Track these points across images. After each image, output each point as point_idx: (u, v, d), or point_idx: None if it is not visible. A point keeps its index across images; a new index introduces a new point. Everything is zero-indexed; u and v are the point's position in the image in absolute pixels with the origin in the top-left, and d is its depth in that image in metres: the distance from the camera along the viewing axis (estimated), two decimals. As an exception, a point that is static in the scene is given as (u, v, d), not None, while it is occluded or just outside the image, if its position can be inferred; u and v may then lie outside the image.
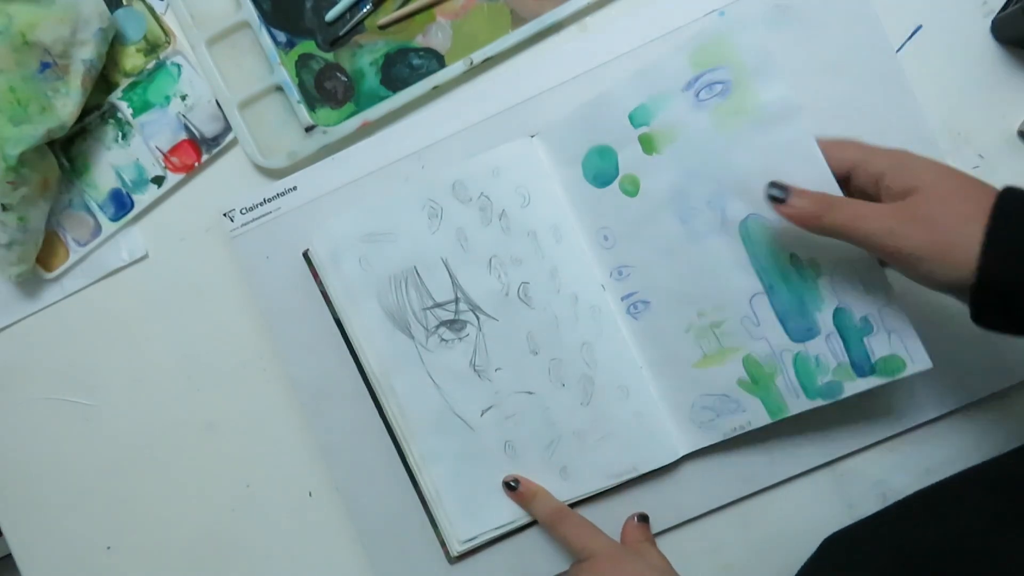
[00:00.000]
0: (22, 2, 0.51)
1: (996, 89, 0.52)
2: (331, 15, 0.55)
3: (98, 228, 0.57)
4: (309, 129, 0.55)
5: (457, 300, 0.52)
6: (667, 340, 0.50)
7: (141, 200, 0.57)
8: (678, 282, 0.49)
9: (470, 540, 0.52)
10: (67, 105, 0.53)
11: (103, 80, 0.56)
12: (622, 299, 0.51)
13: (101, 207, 0.57)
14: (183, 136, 0.56)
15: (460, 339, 0.52)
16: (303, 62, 0.55)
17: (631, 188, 0.49)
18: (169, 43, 0.56)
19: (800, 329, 0.46)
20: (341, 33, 0.55)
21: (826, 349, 0.45)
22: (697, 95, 0.45)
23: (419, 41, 0.54)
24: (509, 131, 0.53)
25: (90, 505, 0.58)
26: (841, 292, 0.45)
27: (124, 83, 0.56)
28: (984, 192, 0.37)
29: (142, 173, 0.57)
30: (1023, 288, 0.35)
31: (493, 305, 0.52)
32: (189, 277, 0.57)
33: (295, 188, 0.54)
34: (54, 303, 0.58)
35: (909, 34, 0.52)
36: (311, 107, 0.55)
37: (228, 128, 0.56)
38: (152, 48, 0.56)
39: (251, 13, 0.55)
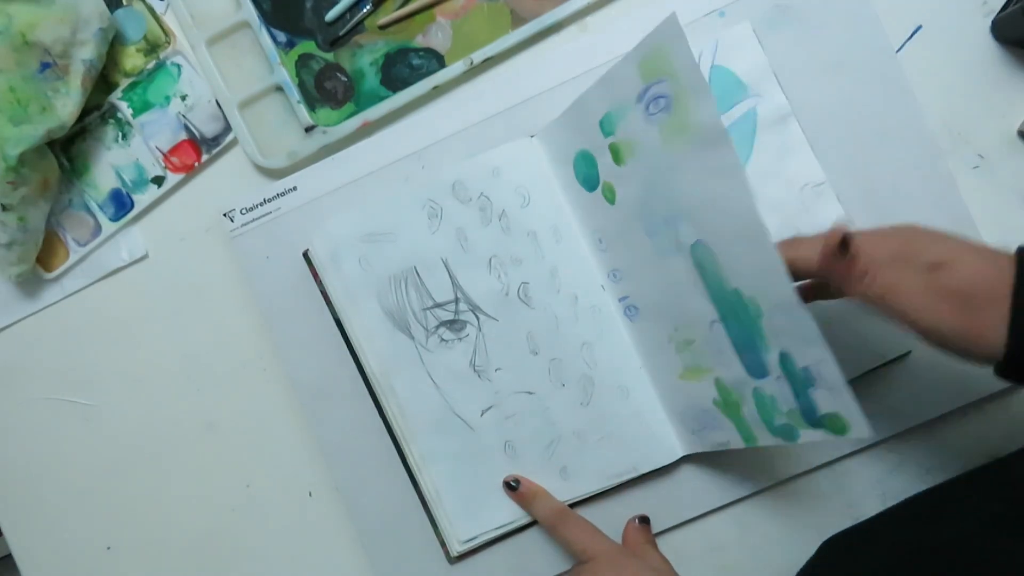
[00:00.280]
0: (22, 2, 0.51)
1: (996, 89, 0.52)
2: (331, 15, 0.55)
3: (98, 228, 0.57)
4: (309, 129, 0.55)
5: (457, 300, 0.52)
6: (656, 348, 0.50)
7: (141, 200, 0.57)
8: (657, 293, 0.47)
9: (470, 540, 0.52)
10: (67, 105, 0.53)
11: (103, 80, 0.56)
12: (619, 300, 0.51)
13: (101, 207, 0.57)
14: (183, 136, 0.56)
15: (460, 339, 0.52)
16: (303, 62, 0.55)
17: (610, 196, 0.48)
18: (169, 43, 0.56)
19: (755, 364, 0.42)
20: (341, 33, 0.55)
21: (778, 391, 0.42)
22: (647, 108, 0.42)
23: (419, 41, 0.54)
24: (509, 131, 0.53)
25: (90, 505, 0.58)
26: (782, 336, 0.40)
27: (124, 83, 0.56)
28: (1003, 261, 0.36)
29: (142, 173, 0.57)
30: None
31: (493, 305, 0.52)
32: (189, 277, 0.57)
33: (295, 188, 0.54)
34: (54, 303, 0.58)
35: (909, 34, 0.52)
36: (311, 107, 0.55)
37: (228, 128, 0.56)
38: (152, 48, 0.56)
39: (251, 13, 0.55)
